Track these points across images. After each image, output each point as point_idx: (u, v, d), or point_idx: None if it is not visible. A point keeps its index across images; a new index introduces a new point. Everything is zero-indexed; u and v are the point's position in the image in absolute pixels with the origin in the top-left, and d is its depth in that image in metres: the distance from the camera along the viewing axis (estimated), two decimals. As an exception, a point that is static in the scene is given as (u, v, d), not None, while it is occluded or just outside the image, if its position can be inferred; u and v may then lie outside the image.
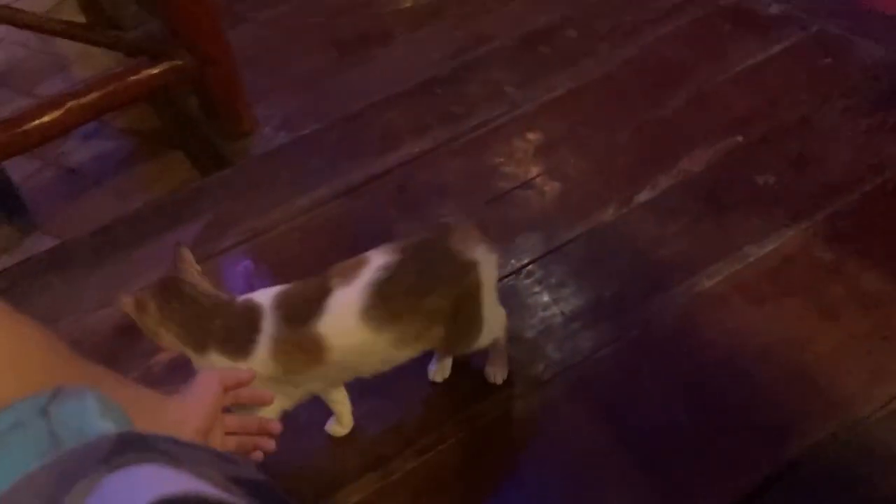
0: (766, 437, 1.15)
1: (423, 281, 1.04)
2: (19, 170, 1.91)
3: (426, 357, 1.18)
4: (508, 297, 1.37)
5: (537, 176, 1.59)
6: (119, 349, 1.34)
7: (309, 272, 1.03)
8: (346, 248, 1.49)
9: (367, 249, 1.01)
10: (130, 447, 0.37)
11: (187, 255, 1.05)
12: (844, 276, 1.32)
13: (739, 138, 1.57)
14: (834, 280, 1.32)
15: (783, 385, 1.20)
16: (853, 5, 1.71)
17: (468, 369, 1.25)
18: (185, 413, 0.82)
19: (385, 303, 1.02)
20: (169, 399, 0.83)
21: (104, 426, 0.45)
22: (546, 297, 1.36)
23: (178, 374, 1.24)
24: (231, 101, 1.72)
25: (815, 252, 1.35)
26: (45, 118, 1.53)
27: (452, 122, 1.73)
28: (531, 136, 1.68)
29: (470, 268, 1.06)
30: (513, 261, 1.43)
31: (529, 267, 1.41)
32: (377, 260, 1.05)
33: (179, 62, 1.62)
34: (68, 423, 0.44)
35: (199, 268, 1.06)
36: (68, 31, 1.63)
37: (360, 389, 1.17)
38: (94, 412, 0.45)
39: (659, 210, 1.47)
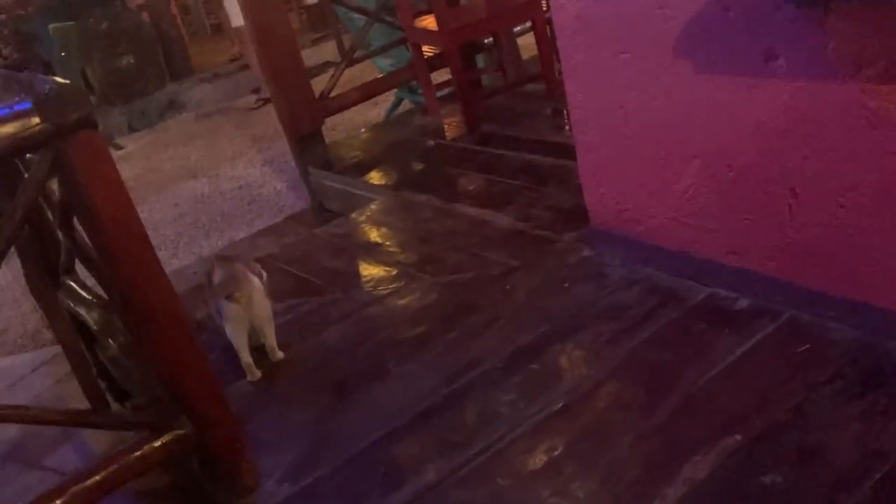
0: None
1: None
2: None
3: None
4: None
5: (547, 499, 1.57)
6: None
7: None
8: None
9: None
10: None
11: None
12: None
13: (738, 437, 1.57)
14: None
15: None
16: (818, 291, 1.79)
17: None
18: None
19: None
20: None
21: None
22: None
23: None
24: (233, 461, 1.74)
25: (841, 556, 1.30)
26: (48, 509, 1.53)
27: (453, 451, 1.74)
28: (533, 457, 1.68)
29: None
30: None
31: None
32: None
33: (181, 431, 1.66)
34: None
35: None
36: (69, 420, 1.69)
37: None
38: None
39: (673, 527, 1.43)
